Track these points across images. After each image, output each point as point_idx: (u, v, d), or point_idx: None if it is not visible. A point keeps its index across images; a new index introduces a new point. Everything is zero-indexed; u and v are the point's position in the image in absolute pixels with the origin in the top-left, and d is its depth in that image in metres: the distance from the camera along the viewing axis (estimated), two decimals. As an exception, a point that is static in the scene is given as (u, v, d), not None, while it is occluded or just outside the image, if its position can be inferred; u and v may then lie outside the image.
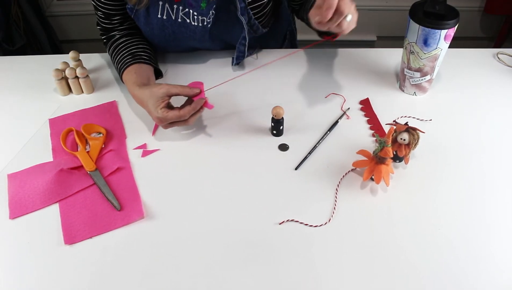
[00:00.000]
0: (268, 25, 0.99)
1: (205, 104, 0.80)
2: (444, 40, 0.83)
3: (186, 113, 0.78)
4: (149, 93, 0.81)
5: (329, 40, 0.89)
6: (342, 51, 1.07)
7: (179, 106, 0.83)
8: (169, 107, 0.82)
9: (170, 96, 0.80)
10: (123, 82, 0.93)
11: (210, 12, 0.89)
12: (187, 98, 0.83)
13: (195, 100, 0.80)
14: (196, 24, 0.91)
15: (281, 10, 1.04)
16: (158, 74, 0.98)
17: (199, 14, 0.90)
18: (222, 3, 0.89)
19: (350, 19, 0.72)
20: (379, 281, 0.62)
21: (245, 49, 0.96)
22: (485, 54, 1.05)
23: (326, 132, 0.85)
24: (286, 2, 1.00)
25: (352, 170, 0.78)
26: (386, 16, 1.95)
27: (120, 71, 0.92)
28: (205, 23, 0.91)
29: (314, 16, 0.72)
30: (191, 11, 0.90)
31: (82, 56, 1.01)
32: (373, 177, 0.73)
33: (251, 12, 0.91)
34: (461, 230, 0.68)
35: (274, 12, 1.01)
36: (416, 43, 0.85)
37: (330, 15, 0.69)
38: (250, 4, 0.91)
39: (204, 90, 0.81)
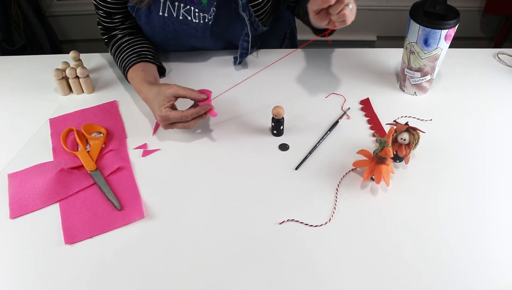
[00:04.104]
0: (268, 23, 0.99)
1: (210, 110, 0.80)
2: (445, 40, 0.83)
3: (189, 114, 0.78)
4: (158, 91, 0.81)
5: (326, 40, 0.88)
6: (342, 51, 1.07)
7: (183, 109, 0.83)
8: (173, 108, 0.82)
9: (177, 98, 0.80)
10: (127, 79, 0.93)
11: (211, 9, 0.89)
12: (193, 102, 0.83)
13: (200, 104, 0.80)
14: (197, 21, 0.91)
15: (281, 9, 1.03)
16: (161, 74, 0.99)
17: (200, 11, 0.90)
18: (223, 0, 0.89)
19: (352, 7, 0.71)
20: (379, 280, 0.62)
21: (249, 45, 0.96)
22: (485, 54, 1.05)
23: (327, 132, 0.85)
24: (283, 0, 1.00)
25: (352, 170, 0.78)
26: (386, 16, 1.95)
27: (126, 69, 0.92)
28: (206, 20, 0.91)
29: (313, 5, 0.70)
30: (192, 8, 0.90)
31: (83, 56, 1.01)
32: (373, 177, 0.73)
33: (252, 10, 0.91)
34: (461, 230, 0.68)
35: (274, 11, 1.01)
36: (416, 43, 0.85)
37: (332, 1, 0.67)
38: (251, 1, 0.91)
39: (211, 98, 0.81)
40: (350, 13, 0.70)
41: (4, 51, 1.73)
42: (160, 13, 0.90)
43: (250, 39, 0.95)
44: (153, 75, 0.89)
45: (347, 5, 0.69)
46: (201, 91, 0.82)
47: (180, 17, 0.91)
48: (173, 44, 0.99)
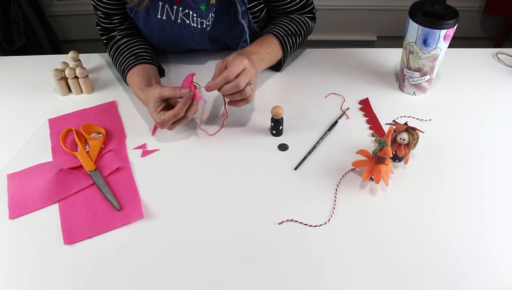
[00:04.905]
0: (264, 29, 0.99)
1: (194, 96, 0.79)
2: (444, 40, 0.83)
3: (179, 110, 0.78)
4: (147, 97, 0.82)
5: (326, 40, 0.90)
6: (342, 51, 1.07)
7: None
8: (170, 107, 0.81)
9: (165, 100, 0.80)
10: (127, 84, 0.93)
11: (210, 15, 0.89)
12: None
13: (184, 96, 0.79)
14: (195, 25, 0.91)
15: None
16: (161, 73, 0.99)
17: (198, 16, 0.90)
18: (222, 6, 0.89)
19: (252, 87, 0.79)
20: (379, 280, 0.62)
21: None
22: (485, 54, 1.05)
23: (326, 132, 0.85)
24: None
25: (351, 170, 0.78)
26: (386, 16, 1.95)
27: (124, 73, 0.92)
28: (204, 26, 0.91)
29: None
30: (190, 12, 0.90)
31: (82, 56, 1.01)
32: (372, 177, 0.73)
33: (250, 16, 0.92)
34: (460, 229, 0.68)
35: (270, 17, 1.01)
36: (415, 43, 0.85)
37: (221, 84, 0.77)
38: (249, 9, 0.91)
39: (193, 81, 0.80)
40: (251, 92, 0.79)
41: (4, 51, 1.73)
42: (159, 16, 0.90)
43: (248, 46, 0.95)
44: (148, 77, 0.89)
45: (249, 84, 0.78)
46: (184, 81, 0.80)
47: (179, 21, 0.91)
48: (171, 46, 0.99)
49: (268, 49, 0.90)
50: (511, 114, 0.89)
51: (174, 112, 0.77)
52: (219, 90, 0.78)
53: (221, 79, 0.77)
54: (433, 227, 0.69)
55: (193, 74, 0.80)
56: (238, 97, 0.79)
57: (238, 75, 0.77)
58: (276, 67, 0.99)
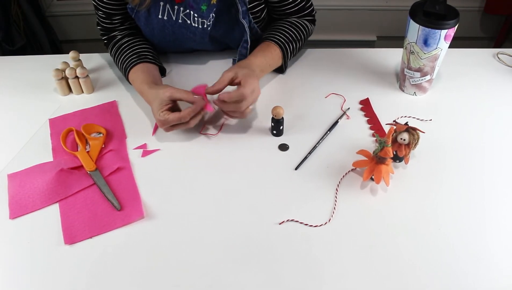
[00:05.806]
0: (265, 29, 0.99)
1: (205, 106, 0.80)
2: (444, 40, 0.83)
3: (186, 114, 0.78)
4: (155, 94, 0.81)
5: (326, 40, 0.91)
6: (342, 51, 1.07)
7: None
8: (174, 110, 0.81)
9: (174, 101, 0.80)
10: (128, 81, 0.93)
11: (211, 15, 0.89)
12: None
13: (195, 102, 0.80)
14: (196, 25, 0.91)
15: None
16: (162, 74, 0.99)
17: (199, 17, 0.90)
18: (223, 6, 0.89)
19: (252, 107, 0.82)
20: (379, 280, 0.62)
21: (247, 52, 0.95)
22: (485, 54, 1.05)
23: (326, 132, 0.85)
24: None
25: (352, 170, 0.78)
26: (386, 16, 1.95)
27: (126, 70, 0.92)
28: (205, 26, 0.91)
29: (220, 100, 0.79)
30: (191, 12, 0.90)
31: (82, 56, 1.01)
32: (373, 177, 0.73)
33: (251, 16, 0.92)
34: (461, 229, 0.68)
35: (270, 18, 1.01)
36: (416, 43, 0.85)
37: (233, 100, 0.78)
38: (250, 9, 0.91)
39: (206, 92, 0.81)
40: (248, 111, 0.81)
41: (4, 51, 1.73)
42: (160, 16, 0.90)
43: (249, 46, 0.95)
44: (152, 75, 0.89)
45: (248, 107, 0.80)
46: (196, 89, 0.81)
47: (180, 21, 0.91)
48: (172, 46, 0.99)
49: (271, 60, 0.92)
50: (511, 114, 0.89)
51: (180, 115, 0.77)
52: (218, 103, 0.80)
53: (235, 97, 0.78)
54: (433, 227, 0.69)
55: (205, 86, 0.81)
56: (236, 114, 0.82)
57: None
58: (279, 69, 0.99)
